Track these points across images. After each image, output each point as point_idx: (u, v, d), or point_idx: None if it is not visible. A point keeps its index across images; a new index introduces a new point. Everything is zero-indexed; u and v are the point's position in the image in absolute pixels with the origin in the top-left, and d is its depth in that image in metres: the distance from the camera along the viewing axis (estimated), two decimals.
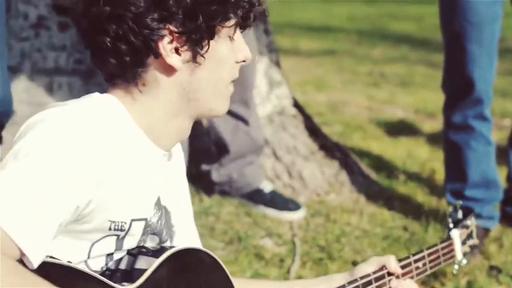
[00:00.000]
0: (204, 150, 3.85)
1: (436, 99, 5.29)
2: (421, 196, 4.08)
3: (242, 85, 3.58)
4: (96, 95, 1.68)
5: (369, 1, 14.77)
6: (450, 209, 2.34)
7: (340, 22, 12.13)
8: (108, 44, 1.63)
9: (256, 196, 3.74)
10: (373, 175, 4.30)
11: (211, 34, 1.65)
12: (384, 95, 6.74)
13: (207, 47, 1.66)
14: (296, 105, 4.39)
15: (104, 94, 1.69)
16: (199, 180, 3.85)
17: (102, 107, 1.64)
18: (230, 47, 1.71)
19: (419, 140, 5.26)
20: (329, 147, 4.27)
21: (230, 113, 3.64)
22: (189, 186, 3.77)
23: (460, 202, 2.37)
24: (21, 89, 3.70)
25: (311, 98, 6.31)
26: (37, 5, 3.76)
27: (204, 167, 3.83)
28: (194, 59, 1.66)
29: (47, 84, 3.74)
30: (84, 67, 3.72)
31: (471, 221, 2.36)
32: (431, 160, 4.65)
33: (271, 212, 3.69)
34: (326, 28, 11.29)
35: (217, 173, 3.79)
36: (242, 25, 1.72)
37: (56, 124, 1.54)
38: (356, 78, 7.62)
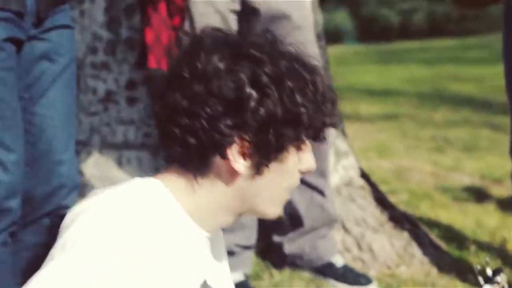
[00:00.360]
0: (275, 222, 3.82)
1: (502, 164, 5.20)
2: (493, 267, 3.97)
3: (318, 155, 3.55)
4: (138, 180, 1.68)
5: (428, 63, 14.74)
6: (479, 267, 2.31)
7: (400, 84, 12.10)
8: (177, 134, 1.63)
9: (327, 270, 3.68)
10: (443, 245, 4.22)
11: (279, 150, 1.65)
12: (448, 161, 6.66)
13: (274, 159, 1.65)
14: (363, 175, 4.35)
15: (147, 178, 1.68)
16: (268, 254, 3.81)
17: (146, 193, 1.63)
18: (296, 158, 1.70)
19: (487, 207, 5.16)
20: (398, 218, 4.20)
21: (307, 184, 3.61)
22: (259, 261, 3.78)
23: (487, 259, 2.34)
24: (91, 163, 3.74)
25: (374, 165, 6.26)
26: (105, 80, 3.81)
27: (276, 238, 3.78)
28: (258, 168, 1.65)
29: (117, 158, 3.77)
30: (153, 141, 3.73)
31: (501, 277, 2.33)
32: (501, 228, 4.55)
33: (343, 287, 3.63)
34: (385, 92, 11.27)
35: (289, 246, 3.73)
36: (313, 140, 1.72)
37: (101, 214, 1.54)
38: (419, 143, 7.55)
